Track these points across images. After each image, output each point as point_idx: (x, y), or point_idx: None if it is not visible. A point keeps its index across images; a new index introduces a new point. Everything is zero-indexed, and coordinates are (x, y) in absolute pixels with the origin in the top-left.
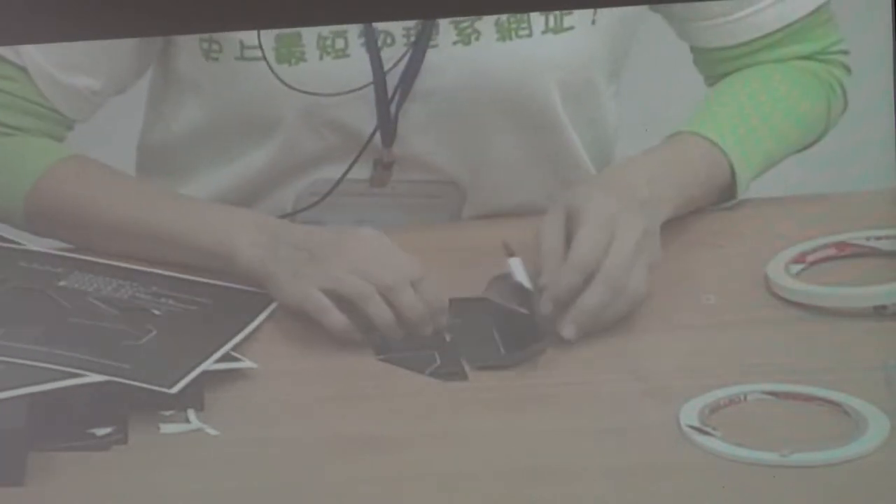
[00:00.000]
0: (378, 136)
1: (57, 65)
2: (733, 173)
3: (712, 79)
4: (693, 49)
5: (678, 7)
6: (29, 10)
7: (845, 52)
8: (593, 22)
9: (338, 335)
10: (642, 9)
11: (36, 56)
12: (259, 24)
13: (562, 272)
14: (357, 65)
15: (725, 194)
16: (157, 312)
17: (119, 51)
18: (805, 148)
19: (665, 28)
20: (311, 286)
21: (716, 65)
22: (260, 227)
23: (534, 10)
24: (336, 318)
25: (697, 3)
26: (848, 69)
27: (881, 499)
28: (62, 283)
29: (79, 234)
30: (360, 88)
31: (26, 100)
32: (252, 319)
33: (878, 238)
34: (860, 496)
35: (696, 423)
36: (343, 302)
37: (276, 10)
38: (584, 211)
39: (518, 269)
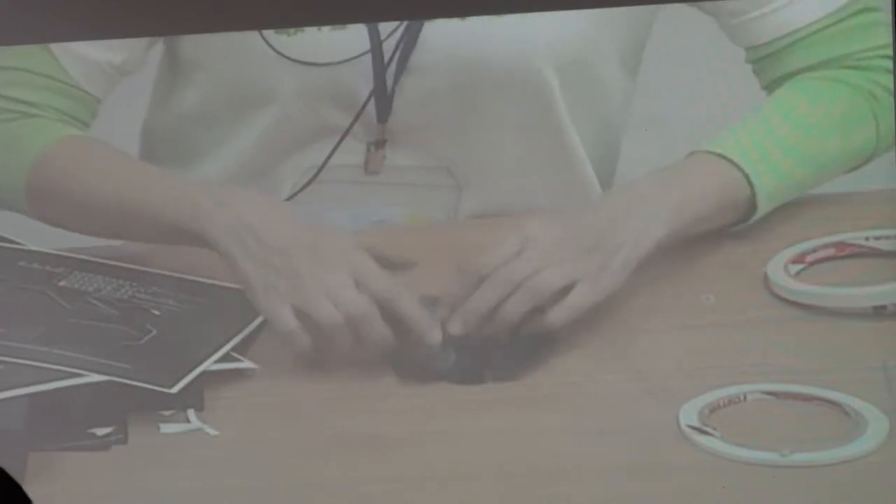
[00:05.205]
0: (374, 111)
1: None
2: (752, 186)
3: (767, 89)
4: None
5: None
6: (25, 11)
7: (889, 57)
8: None
9: (297, 354)
10: None
11: None
12: (259, 24)
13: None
14: (354, 36)
15: (744, 210)
16: (157, 312)
17: None
18: (857, 165)
19: (673, 24)
20: (281, 304)
21: (759, 66)
22: (234, 212)
23: (544, 10)
24: (300, 342)
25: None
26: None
27: (881, 499)
28: (62, 283)
29: (74, 214)
30: (357, 57)
31: (48, 76)
32: (253, 319)
33: (878, 238)
34: (860, 496)
35: (696, 423)
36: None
37: (274, 11)
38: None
39: None
